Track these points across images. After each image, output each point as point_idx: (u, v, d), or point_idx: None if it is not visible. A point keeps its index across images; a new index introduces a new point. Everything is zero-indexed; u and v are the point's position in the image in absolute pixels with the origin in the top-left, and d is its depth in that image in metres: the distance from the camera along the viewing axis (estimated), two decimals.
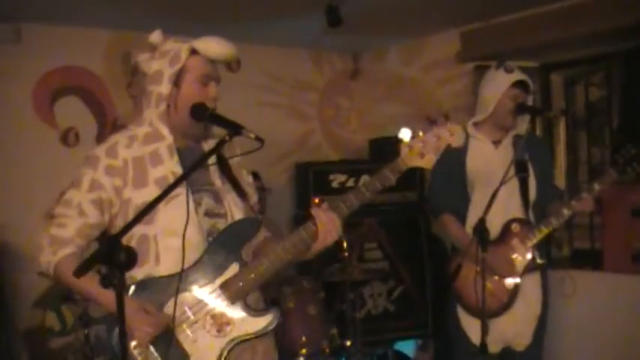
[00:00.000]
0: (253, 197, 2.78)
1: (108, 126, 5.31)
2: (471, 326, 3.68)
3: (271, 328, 2.52)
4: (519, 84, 3.73)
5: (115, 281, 1.92)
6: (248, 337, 2.49)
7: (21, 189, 4.86)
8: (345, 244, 4.47)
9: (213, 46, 2.54)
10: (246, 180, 2.77)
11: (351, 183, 5.65)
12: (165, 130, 2.55)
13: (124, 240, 2.22)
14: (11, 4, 4.51)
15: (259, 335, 2.51)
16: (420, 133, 2.56)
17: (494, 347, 3.62)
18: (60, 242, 2.47)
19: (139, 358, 2.37)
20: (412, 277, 5.62)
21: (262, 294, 2.73)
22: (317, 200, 5.56)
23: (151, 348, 2.40)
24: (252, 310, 2.51)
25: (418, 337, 5.76)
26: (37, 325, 4.91)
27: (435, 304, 5.56)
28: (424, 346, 5.80)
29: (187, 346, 2.42)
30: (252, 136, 2.35)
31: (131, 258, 1.94)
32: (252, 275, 2.49)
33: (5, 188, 4.83)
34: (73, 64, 5.20)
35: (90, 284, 2.36)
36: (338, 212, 2.53)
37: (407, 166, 2.57)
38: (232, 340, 2.46)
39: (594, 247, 4.86)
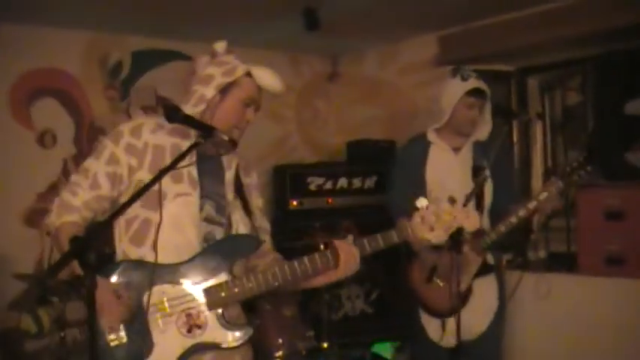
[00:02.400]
0: (261, 221, 2.85)
1: (85, 128, 5.30)
2: (429, 323, 3.85)
3: (237, 345, 2.53)
4: (475, 92, 3.77)
5: (86, 281, 1.92)
6: (214, 346, 2.50)
7: None
8: (321, 246, 4.47)
9: (268, 77, 2.67)
10: (256, 203, 2.83)
11: (328, 185, 5.66)
12: (192, 131, 2.58)
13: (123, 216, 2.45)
14: None
15: (225, 349, 2.53)
16: (437, 208, 2.59)
17: (449, 342, 3.69)
18: (67, 207, 2.54)
19: (109, 336, 2.39)
20: (389, 280, 5.64)
21: (244, 311, 2.74)
22: (294, 203, 5.58)
23: (122, 328, 2.42)
24: (226, 323, 2.53)
25: (395, 340, 5.77)
26: (12, 327, 4.88)
27: (412, 306, 5.58)
28: (401, 348, 5.81)
29: (155, 335, 2.45)
30: (226, 138, 2.44)
31: (102, 258, 1.94)
32: (236, 290, 2.51)
33: None
34: (51, 66, 5.18)
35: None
36: (360, 248, 2.62)
37: (414, 234, 2.61)
38: (198, 344, 2.48)
39: (570, 250, 4.90)
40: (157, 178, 2.34)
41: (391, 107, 6.24)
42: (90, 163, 2.59)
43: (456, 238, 3.19)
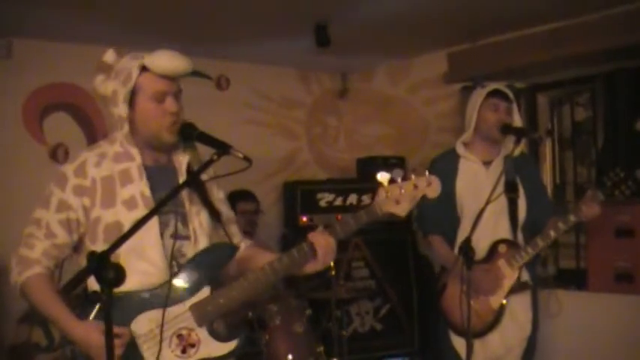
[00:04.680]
0: (228, 213, 2.79)
1: (98, 142, 5.31)
2: (460, 344, 3.70)
3: (236, 353, 2.53)
4: (495, 94, 3.77)
5: (103, 297, 1.93)
6: None
7: (9, 204, 4.83)
8: (332, 263, 4.48)
9: (163, 62, 2.47)
10: (217, 196, 2.74)
11: (338, 202, 5.68)
12: (133, 151, 2.54)
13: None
14: (2, 20, 4.53)
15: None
16: (399, 180, 2.60)
17: None
18: (26, 263, 2.47)
19: None
20: (399, 296, 5.65)
21: (226, 321, 2.72)
22: (304, 219, 5.60)
23: None
24: (218, 335, 2.52)
25: (405, 356, 5.75)
26: (23, 341, 4.89)
27: (422, 323, 5.58)
28: None
29: None
30: (241, 155, 2.35)
31: (119, 275, 1.95)
32: (222, 301, 2.49)
33: None
34: (63, 81, 5.21)
35: (56, 307, 2.42)
36: (333, 235, 2.59)
37: (382, 210, 2.60)
38: None
39: (579, 267, 4.90)
40: (157, 207, 2.29)
41: (401, 124, 6.26)
42: (40, 213, 2.51)
43: (466, 250, 3.23)
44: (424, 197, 2.61)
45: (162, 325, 2.39)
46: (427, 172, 2.62)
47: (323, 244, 2.56)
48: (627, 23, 4.48)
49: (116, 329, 2.29)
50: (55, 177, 2.53)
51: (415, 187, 2.59)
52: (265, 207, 5.64)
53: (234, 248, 2.66)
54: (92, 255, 1.96)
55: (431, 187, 2.61)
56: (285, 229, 5.94)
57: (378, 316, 5.62)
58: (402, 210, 2.61)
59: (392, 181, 2.60)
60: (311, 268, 2.59)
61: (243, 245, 2.81)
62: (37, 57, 5.05)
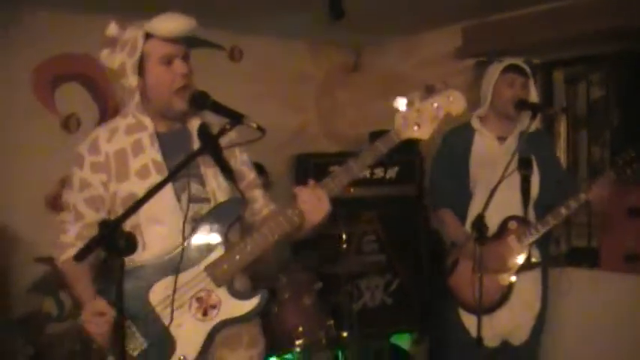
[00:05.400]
0: (250, 175, 2.76)
1: (109, 113, 5.30)
2: (469, 320, 3.70)
3: (258, 311, 2.50)
4: (512, 69, 3.73)
5: (115, 266, 1.93)
6: (234, 320, 2.47)
7: (21, 174, 4.85)
8: (343, 236, 4.48)
9: (165, 25, 2.47)
10: (240, 159, 2.73)
11: None
12: (146, 120, 2.55)
13: None
14: None
15: (246, 319, 2.50)
16: (417, 102, 2.46)
17: (492, 342, 3.66)
18: (61, 247, 2.57)
19: (128, 345, 2.37)
20: (409, 271, 5.64)
21: (250, 278, 2.70)
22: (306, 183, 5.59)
23: (137, 334, 2.40)
24: (239, 293, 2.50)
25: (414, 331, 5.77)
26: (34, 310, 4.91)
27: (432, 298, 5.58)
28: (419, 339, 5.81)
29: (174, 331, 2.42)
30: (254, 125, 2.33)
31: (131, 243, 1.95)
32: (238, 257, 2.46)
33: (5, 173, 4.82)
34: (75, 51, 5.18)
35: (79, 287, 2.53)
36: (326, 189, 2.46)
37: (400, 137, 2.48)
38: (218, 323, 2.45)
39: (591, 246, 4.88)
40: (172, 174, 2.31)
41: None
42: (67, 196, 2.59)
43: (479, 226, 3.20)
44: (449, 115, 2.46)
45: (174, 291, 2.39)
46: (448, 88, 2.47)
47: (306, 200, 2.45)
48: None
49: (100, 307, 2.35)
50: (73, 158, 2.58)
51: (437, 106, 2.45)
52: (274, 180, 5.63)
53: (242, 202, 2.60)
54: (104, 224, 1.96)
55: (453, 103, 2.46)
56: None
57: (388, 290, 5.63)
58: (424, 133, 2.47)
59: (410, 104, 2.46)
60: (306, 225, 2.49)
61: (266, 210, 2.77)
62: (49, 27, 5.00)
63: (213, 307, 2.45)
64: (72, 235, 2.55)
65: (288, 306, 4.38)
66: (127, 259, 2.29)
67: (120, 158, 2.51)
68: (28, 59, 4.98)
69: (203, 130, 2.56)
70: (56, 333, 4.92)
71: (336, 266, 4.58)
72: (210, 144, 2.50)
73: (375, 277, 5.57)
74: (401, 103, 2.46)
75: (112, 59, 2.55)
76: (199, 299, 2.44)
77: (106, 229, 1.95)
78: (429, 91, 2.47)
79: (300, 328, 4.30)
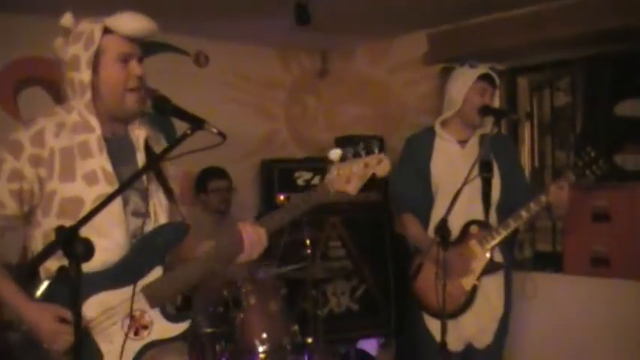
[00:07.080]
0: (176, 191, 2.69)
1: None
2: (434, 325, 3.69)
3: (186, 335, 2.48)
4: (485, 77, 3.74)
5: (71, 274, 1.89)
6: (164, 341, 2.44)
7: None
8: (308, 242, 4.47)
9: (128, 23, 2.40)
10: (169, 172, 2.65)
11: (316, 180, 5.62)
12: (93, 121, 2.43)
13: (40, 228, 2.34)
14: None
15: (175, 341, 2.48)
16: (349, 159, 2.55)
17: (456, 345, 3.67)
18: None
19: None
20: (375, 276, 5.64)
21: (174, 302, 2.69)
22: (282, 198, 5.56)
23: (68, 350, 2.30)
24: (171, 316, 2.46)
25: (380, 336, 5.77)
26: None
27: (398, 303, 5.58)
28: (386, 344, 5.82)
29: (103, 347, 2.35)
30: (215, 130, 2.28)
31: (88, 250, 1.91)
32: (174, 281, 2.44)
33: None
34: (38, 55, 5.12)
35: (3, 283, 2.36)
36: (266, 226, 2.50)
37: (333, 188, 2.55)
38: (149, 343, 2.41)
39: (556, 250, 4.91)
40: (124, 186, 2.24)
41: (380, 105, 6.23)
42: None
43: (442, 232, 3.21)
44: (373, 176, 2.56)
45: (132, 300, 2.33)
46: (377, 150, 2.57)
47: (249, 235, 2.45)
48: (609, 8, 4.46)
49: (62, 312, 2.25)
50: (7, 143, 2.38)
51: (365, 165, 2.54)
52: (243, 186, 5.60)
53: (187, 227, 2.55)
54: (61, 229, 1.91)
55: (380, 165, 2.56)
56: (262, 207, 5.91)
57: (354, 296, 5.62)
58: (353, 189, 2.55)
59: (343, 158, 2.55)
60: (242, 258, 2.49)
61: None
62: (11, 30, 4.93)
63: (145, 327, 2.40)
64: None
65: (253, 312, 4.34)
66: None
67: (66, 157, 2.38)
68: None
69: (149, 147, 2.53)
70: (18, 341, 4.83)
71: (301, 272, 4.56)
72: (155, 161, 2.47)
73: (341, 283, 5.56)
74: (334, 153, 2.56)
75: (65, 50, 2.46)
76: (132, 318, 2.37)
77: (62, 234, 1.90)
78: (363, 149, 2.56)
79: (265, 334, 4.27)
